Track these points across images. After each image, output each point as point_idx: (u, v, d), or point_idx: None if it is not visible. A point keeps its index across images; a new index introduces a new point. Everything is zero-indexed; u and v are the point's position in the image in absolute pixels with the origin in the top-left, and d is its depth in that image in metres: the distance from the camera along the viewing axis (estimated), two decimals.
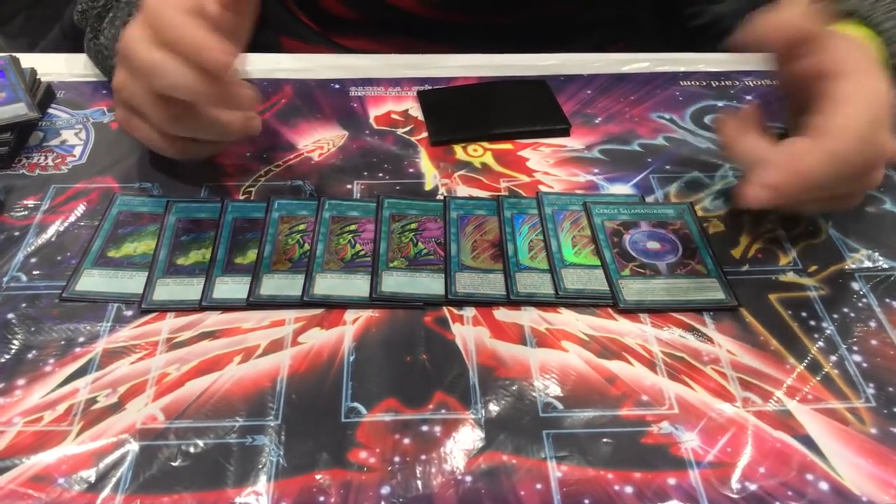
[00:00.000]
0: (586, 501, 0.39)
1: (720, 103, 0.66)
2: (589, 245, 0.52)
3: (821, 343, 0.47)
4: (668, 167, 0.59)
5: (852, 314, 0.49)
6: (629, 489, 0.40)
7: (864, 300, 0.50)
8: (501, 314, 0.48)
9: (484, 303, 0.49)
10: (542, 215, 0.54)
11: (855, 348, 0.47)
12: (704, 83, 0.68)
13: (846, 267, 0.52)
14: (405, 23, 0.73)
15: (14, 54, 0.65)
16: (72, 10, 0.89)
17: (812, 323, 0.48)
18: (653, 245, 0.53)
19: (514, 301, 0.49)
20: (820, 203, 0.50)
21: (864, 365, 0.46)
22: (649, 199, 0.57)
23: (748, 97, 0.66)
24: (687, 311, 0.49)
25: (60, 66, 0.68)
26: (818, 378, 0.45)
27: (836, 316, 0.49)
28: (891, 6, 0.55)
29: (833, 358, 0.46)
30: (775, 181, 0.46)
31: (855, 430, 0.43)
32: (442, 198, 0.56)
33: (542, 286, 0.50)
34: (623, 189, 0.57)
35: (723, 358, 0.46)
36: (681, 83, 0.68)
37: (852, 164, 0.47)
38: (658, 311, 0.49)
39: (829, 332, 0.48)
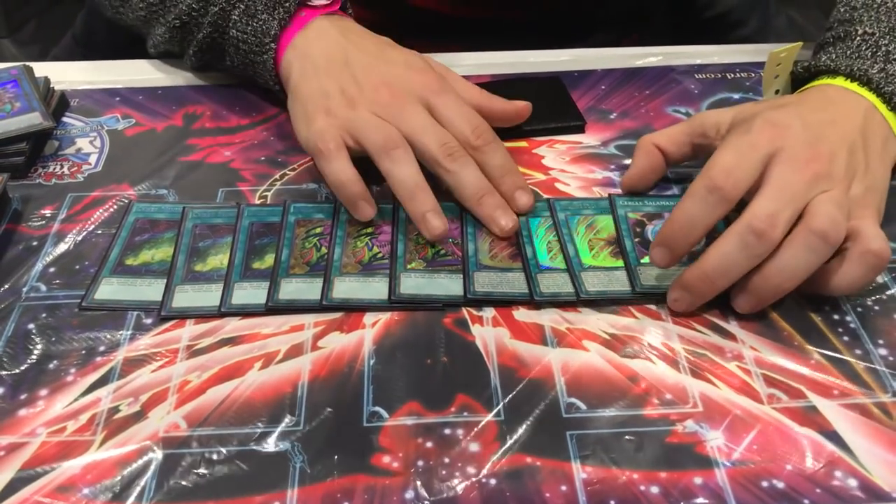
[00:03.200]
0: (612, 502, 0.39)
1: (736, 95, 0.65)
2: (606, 248, 0.52)
3: (845, 337, 0.46)
4: (685, 162, 0.59)
5: (876, 308, 0.48)
6: (655, 489, 0.39)
7: (888, 293, 0.49)
8: (521, 314, 0.48)
9: (503, 302, 0.49)
10: (555, 221, 0.53)
11: (880, 342, 0.46)
12: (719, 75, 0.68)
13: None
14: (419, 21, 0.73)
15: (28, 63, 0.65)
16: (83, 18, 0.89)
17: (836, 317, 0.48)
18: None
19: (537, 302, 0.48)
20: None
21: (891, 359, 0.45)
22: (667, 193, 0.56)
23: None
24: None
25: (73, 75, 0.69)
26: (843, 373, 0.45)
27: (859, 310, 0.48)
28: (869, 49, 0.53)
29: (858, 352, 0.46)
30: (661, 235, 0.47)
31: (882, 424, 0.42)
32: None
33: (566, 285, 0.49)
34: None
35: (746, 354, 0.46)
36: (696, 76, 0.68)
37: (726, 181, 0.45)
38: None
39: (853, 326, 0.47)
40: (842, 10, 0.58)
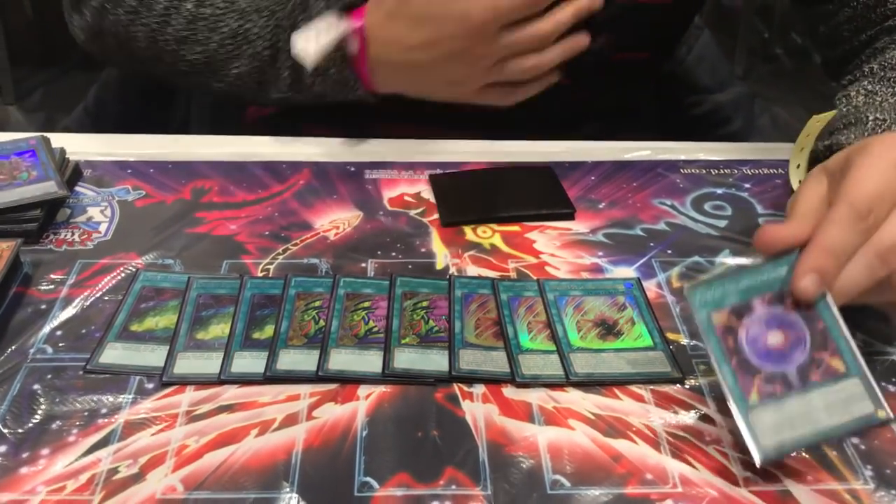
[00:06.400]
0: None
1: (720, 190, 0.69)
2: (592, 329, 0.54)
3: None
4: (669, 251, 0.62)
5: None
6: None
7: None
8: (510, 392, 0.50)
9: (487, 380, 0.51)
10: (545, 301, 0.56)
11: None
12: (704, 171, 0.71)
13: None
14: (419, 111, 0.77)
15: (45, 134, 0.68)
16: (96, 93, 0.93)
17: None
18: (775, 339, 0.45)
19: (519, 383, 0.50)
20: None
21: (862, 447, 0.47)
22: (649, 283, 0.59)
23: (746, 185, 0.69)
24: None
25: (87, 146, 0.71)
26: (817, 459, 0.46)
27: None
28: (884, 131, 0.57)
29: None
30: (811, 264, 0.44)
31: None
32: (447, 277, 0.58)
33: (546, 367, 0.51)
34: (626, 271, 0.60)
35: (724, 438, 0.48)
36: (681, 171, 0.71)
37: (870, 212, 0.45)
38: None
39: None
40: (843, 110, 0.62)
